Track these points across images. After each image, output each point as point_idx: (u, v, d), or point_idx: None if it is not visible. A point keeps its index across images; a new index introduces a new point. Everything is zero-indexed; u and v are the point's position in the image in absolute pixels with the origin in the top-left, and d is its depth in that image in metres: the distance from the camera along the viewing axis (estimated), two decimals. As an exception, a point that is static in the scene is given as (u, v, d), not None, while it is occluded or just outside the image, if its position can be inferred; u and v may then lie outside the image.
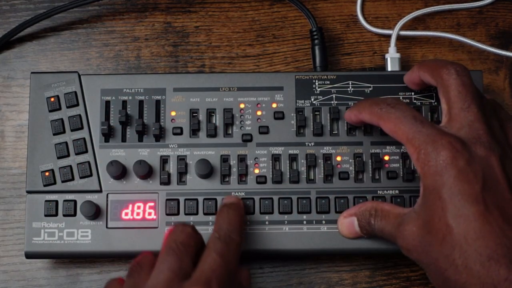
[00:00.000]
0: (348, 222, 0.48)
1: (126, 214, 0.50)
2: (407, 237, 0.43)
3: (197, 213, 0.50)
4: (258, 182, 0.51)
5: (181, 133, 0.51)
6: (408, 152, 0.44)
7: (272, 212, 0.50)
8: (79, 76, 0.52)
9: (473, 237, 0.40)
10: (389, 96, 0.51)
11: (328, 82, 0.52)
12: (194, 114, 0.52)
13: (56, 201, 0.50)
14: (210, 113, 0.52)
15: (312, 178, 0.51)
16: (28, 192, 0.50)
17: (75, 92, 0.52)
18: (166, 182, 0.50)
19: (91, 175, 0.51)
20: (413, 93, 0.52)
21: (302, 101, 0.52)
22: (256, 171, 0.51)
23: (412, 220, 0.43)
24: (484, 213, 0.40)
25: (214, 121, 0.52)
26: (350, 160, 0.51)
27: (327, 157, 0.51)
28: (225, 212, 0.47)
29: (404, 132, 0.44)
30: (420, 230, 0.43)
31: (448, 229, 0.41)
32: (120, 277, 0.44)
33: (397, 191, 0.50)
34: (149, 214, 0.50)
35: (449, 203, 0.41)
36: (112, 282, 0.44)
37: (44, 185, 0.50)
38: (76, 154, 0.51)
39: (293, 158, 0.51)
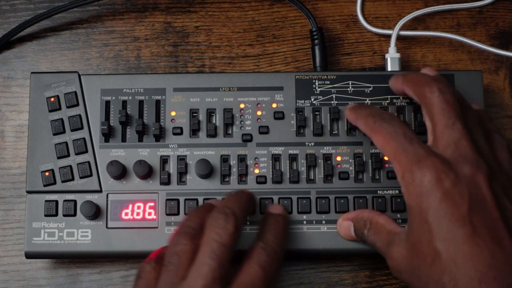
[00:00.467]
0: (345, 226, 0.49)
1: (126, 214, 0.50)
2: (396, 258, 0.43)
3: (197, 213, 0.50)
4: (258, 182, 0.51)
5: (181, 133, 0.51)
6: (394, 169, 0.44)
7: (272, 212, 0.50)
8: (79, 76, 0.52)
9: (462, 260, 0.39)
10: (385, 110, 0.51)
11: (328, 82, 0.52)
12: (194, 114, 0.52)
13: (56, 201, 0.50)
14: (210, 113, 0.52)
15: (312, 178, 0.51)
16: (28, 192, 0.50)
17: (75, 92, 0.52)
18: (166, 182, 0.50)
19: (91, 175, 0.51)
20: (413, 93, 0.52)
21: (302, 101, 0.52)
22: (256, 171, 0.51)
23: (401, 242, 0.43)
24: (472, 235, 0.39)
25: (214, 121, 0.52)
26: (350, 160, 0.51)
27: (327, 157, 0.51)
28: (272, 222, 0.46)
29: (392, 148, 0.44)
30: (408, 253, 0.42)
31: (437, 253, 0.40)
32: (153, 258, 0.44)
33: (397, 191, 0.50)
34: (149, 214, 0.50)
35: (436, 226, 0.40)
36: (146, 269, 0.43)
37: (44, 185, 0.50)
38: (76, 154, 0.51)
39: (293, 158, 0.51)
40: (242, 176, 0.51)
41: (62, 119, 0.51)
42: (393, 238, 0.44)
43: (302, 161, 0.51)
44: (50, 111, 0.52)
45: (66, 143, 0.51)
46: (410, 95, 0.47)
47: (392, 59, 0.55)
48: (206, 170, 0.50)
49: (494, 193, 0.41)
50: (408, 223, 0.43)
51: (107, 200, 0.50)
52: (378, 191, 0.50)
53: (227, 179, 0.51)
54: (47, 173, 0.50)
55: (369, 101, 0.52)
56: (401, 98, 0.52)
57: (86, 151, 0.51)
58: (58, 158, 0.51)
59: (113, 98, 0.52)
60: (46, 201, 0.50)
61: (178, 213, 0.50)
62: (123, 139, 0.51)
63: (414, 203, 0.42)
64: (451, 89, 0.45)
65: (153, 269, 0.43)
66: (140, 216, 0.50)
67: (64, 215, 0.50)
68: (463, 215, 0.40)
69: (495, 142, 0.46)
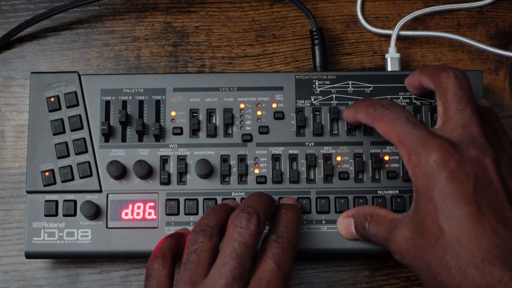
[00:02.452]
0: (346, 223, 0.49)
1: (126, 214, 0.50)
2: (400, 241, 0.43)
3: (197, 213, 0.50)
4: (258, 182, 0.51)
5: (181, 133, 0.51)
6: (400, 153, 0.44)
7: (272, 212, 0.50)
8: (79, 76, 0.52)
9: (466, 238, 0.40)
10: (384, 99, 0.51)
11: (328, 82, 0.52)
12: (194, 114, 0.52)
13: (56, 201, 0.50)
14: (210, 113, 0.52)
15: (312, 178, 0.51)
16: (28, 192, 0.50)
17: (75, 92, 0.52)
18: (166, 182, 0.50)
19: (91, 175, 0.51)
20: (413, 93, 0.52)
21: (302, 101, 0.52)
22: (256, 171, 0.51)
23: (405, 224, 0.43)
24: (476, 214, 0.40)
25: (214, 121, 0.52)
26: (350, 160, 0.51)
27: (327, 157, 0.51)
28: (282, 212, 0.46)
29: (396, 134, 0.44)
30: (412, 233, 0.42)
31: (441, 231, 0.40)
32: (159, 255, 0.43)
33: (397, 191, 0.50)
34: (149, 214, 0.50)
35: (441, 205, 0.41)
36: (154, 267, 0.43)
37: (44, 185, 0.50)
38: (76, 154, 0.51)
39: (293, 158, 0.51)
40: (242, 176, 0.51)
41: (62, 119, 0.51)
42: (396, 223, 0.44)
43: (302, 161, 0.51)
44: (50, 111, 0.52)
45: (66, 143, 0.51)
46: (426, 84, 0.48)
47: (392, 59, 0.55)
48: (206, 170, 0.50)
49: (501, 175, 0.42)
50: (413, 205, 0.43)
51: (107, 200, 0.50)
52: (378, 191, 0.50)
53: (227, 179, 0.51)
54: (47, 173, 0.50)
55: (369, 101, 0.52)
56: (401, 98, 0.52)
57: (86, 151, 0.51)
58: (58, 158, 0.51)
59: (113, 98, 0.52)
60: (46, 201, 0.50)
61: (178, 213, 0.50)
62: (123, 139, 0.51)
63: (420, 184, 0.42)
64: (466, 77, 0.46)
65: (162, 266, 0.43)
66: (140, 216, 0.50)
67: (64, 215, 0.50)
68: (468, 194, 0.40)
69: (501, 139, 0.47)
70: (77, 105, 0.52)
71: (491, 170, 0.42)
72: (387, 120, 0.45)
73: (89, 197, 0.50)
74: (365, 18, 0.58)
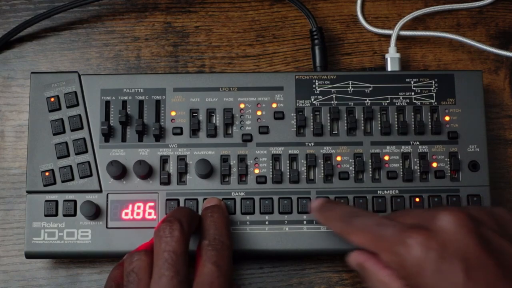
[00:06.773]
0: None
1: (126, 214, 0.50)
2: None
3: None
4: (258, 182, 0.51)
5: (181, 133, 0.51)
6: (383, 259, 0.43)
7: (272, 212, 0.50)
8: (79, 76, 0.52)
9: None
10: (348, 206, 0.48)
11: (328, 82, 0.52)
12: (194, 114, 0.52)
13: (56, 201, 0.50)
14: (210, 113, 0.52)
15: (312, 178, 0.51)
16: (28, 192, 0.50)
17: (75, 92, 0.52)
18: (166, 182, 0.50)
19: (91, 175, 0.51)
20: (413, 93, 0.52)
21: (302, 101, 0.52)
22: (256, 171, 0.51)
23: None
24: None
25: (214, 121, 0.52)
26: (350, 160, 0.51)
27: (327, 157, 0.51)
28: (209, 216, 0.47)
29: (370, 241, 0.43)
30: None
31: None
32: (113, 284, 0.44)
33: (397, 191, 0.50)
34: (149, 214, 0.50)
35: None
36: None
37: (44, 185, 0.50)
38: (76, 154, 0.51)
39: (293, 158, 0.51)
40: (242, 176, 0.51)
41: (62, 119, 0.51)
42: None
43: (302, 161, 0.51)
44: (50, 111, 0.52)
45: (66, 143, 0.51)
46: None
47: (392, 59, 0.55)
48: (206, 170, 0.50)
49: (482, 240, 0.40)
50: None
51: (107, 200, 0.50)
52: (378, 191, 0.50)
53: (227, 179, 0.51)
54: (47, 173, 0.50)
55: (369, 101, 0.52)
56: (401, 98, 0.52)
57: (86, 151, 0.51)
58: (58, 158, 0.51)
59: (113, 98, 0.52)
60: (46, 201, 0.50)
61: (178, 213, 0.50)
62: (123, 139, 0.51)
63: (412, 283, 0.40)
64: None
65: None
66: (140, 216, 0.50)
67: (64, 215, 0.50)
68: (461, 284, 0.38)
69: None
70: (77, 105, 0.52)
71: (468, 237, 0.39)
72: (356, 232, 0.44)
73: (89, 197, 0.50)
74: (365, 18, 0.58)
